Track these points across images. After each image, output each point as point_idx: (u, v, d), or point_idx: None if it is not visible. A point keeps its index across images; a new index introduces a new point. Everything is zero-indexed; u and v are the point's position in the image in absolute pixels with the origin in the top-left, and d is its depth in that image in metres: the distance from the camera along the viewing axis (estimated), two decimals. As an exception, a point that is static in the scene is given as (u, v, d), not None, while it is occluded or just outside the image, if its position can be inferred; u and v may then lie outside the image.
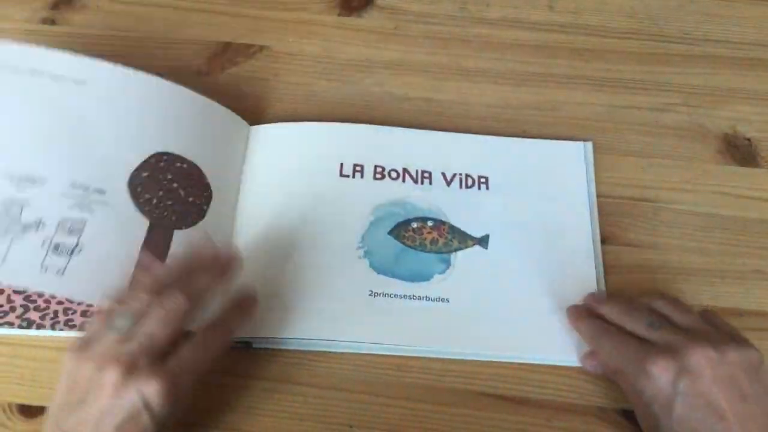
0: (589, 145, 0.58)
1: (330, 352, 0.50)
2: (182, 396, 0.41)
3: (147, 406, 0.39)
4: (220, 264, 0.46)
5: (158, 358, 0.41)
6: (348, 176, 0.56)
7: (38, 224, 0.48)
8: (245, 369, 0.49)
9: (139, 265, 0.49)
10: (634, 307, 0.47)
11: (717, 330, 0.44)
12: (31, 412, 0.47)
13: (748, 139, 0.60)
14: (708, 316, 0.47)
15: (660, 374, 0.42)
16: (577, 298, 0.51)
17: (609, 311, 0.48)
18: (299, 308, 0.51)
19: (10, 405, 0.48)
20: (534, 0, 0.67)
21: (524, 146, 0.58)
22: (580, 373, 0.49)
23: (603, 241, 0.54)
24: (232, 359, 0.49)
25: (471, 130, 0.59)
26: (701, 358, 0.41)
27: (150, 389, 0.39)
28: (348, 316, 0.50)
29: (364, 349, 0.50)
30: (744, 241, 0.55)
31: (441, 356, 0.50)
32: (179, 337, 0.42)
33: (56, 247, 0.48)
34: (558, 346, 0.50)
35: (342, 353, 0.50)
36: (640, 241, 0.55)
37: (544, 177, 0.57)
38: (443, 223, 0.54)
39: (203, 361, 0.43)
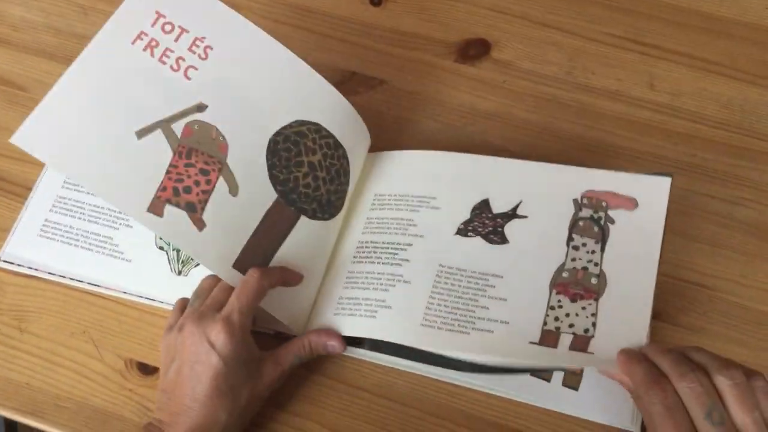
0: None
1: (395, 368, 0.58)
2: (243, 337, 0.51)
3: (212, 345, 0.50)
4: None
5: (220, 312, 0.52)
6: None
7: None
8: (322, 368, 0.58)
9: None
10: (701, 384, 0.45)
11: None
12: (147, 370, 0.58)
13: (813, 247, 0.64)
14: None
15: None
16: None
17: (671, 370, 0.46)
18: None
19: (131, 361, 0.58)
20: (637, 76, 0.72)
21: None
22: (610, 431, 0.56)
23: (653, 317, 0.60)
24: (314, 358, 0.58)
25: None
26: None
27: (212, 331, 0.51)
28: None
29: (423, 372, 0.58)
30: (785, 342, 0.60)
31: (490, 392, 0.57)
32: None
33: None
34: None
35: (405, 371, 0.58)
36: (689, 324, 0.60)
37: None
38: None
39: (247, 302, 0.52)
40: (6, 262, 0.61)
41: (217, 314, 0.52)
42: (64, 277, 0.61)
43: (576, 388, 0.57)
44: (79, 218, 0.62)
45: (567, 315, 0.54)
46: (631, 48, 0.73)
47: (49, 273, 0.61)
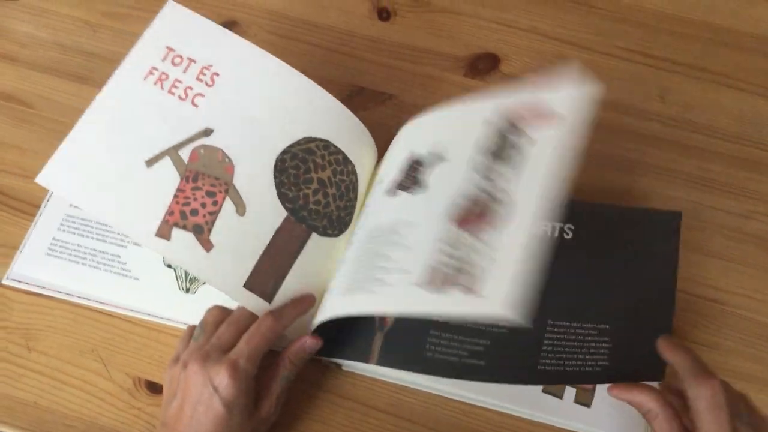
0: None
1: (407, 386, 0.58)
2: (247, 384, 0.50)
3: (216, 389, 0.49)
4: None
5: (226, 352, 0.51)
6: None
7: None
8: (332, 386, 0.58)
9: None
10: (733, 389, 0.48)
11: None
12: (156, 388, 0.57)
13: (826, 260, 0.63)
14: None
15: None
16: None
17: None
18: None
19: (140, 379, 0.58)
20: (648, 89, 0.71)
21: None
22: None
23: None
24: (324, 376, 0.58)
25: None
26: None
27: (216, 375, 0.49)
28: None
29: (436, 390, 0.57)
30: (799, 358, 0.59)
31: (503, 410, 0.56)
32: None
33: None
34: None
35: (418, 390, 0.57)
36: (703, 340, 0.60)
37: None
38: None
39: (257, 348, 0.51)
40: (14, 280, 0.61)
41: (223, 356, 0.50)
42: (71, 295, 0.60)
43: (588, 405, 0.57)
44: (87, 236, 0.62)
45: (460, 249, 0.49)
46: (641, 61, 0.73)
47: (57, 291, 0.61)
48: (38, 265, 0.61)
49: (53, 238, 0.62)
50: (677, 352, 0.51)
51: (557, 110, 0.51)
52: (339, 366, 0.58)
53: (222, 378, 0.49)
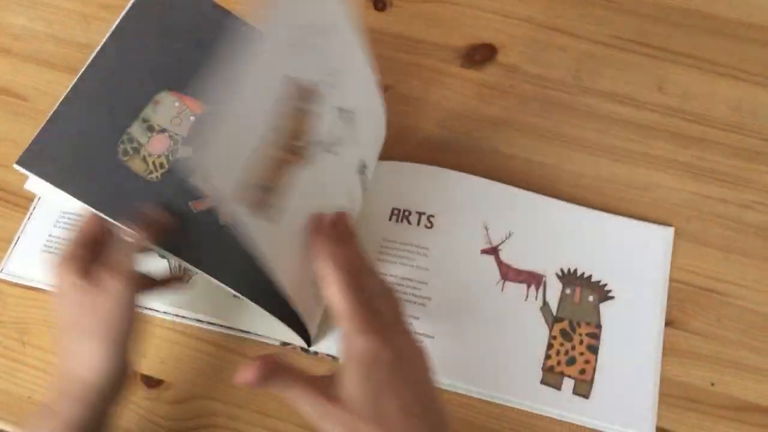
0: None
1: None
2: (67, 265, 0.50)
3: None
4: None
5: None
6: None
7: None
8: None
9: None
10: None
11: None
12: (152, 383, 0.57)
13: (826, 250, 0.63)
14: None
15: None
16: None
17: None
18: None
19: (135, 373, 0.57)
20: (646, 79, 0.71)
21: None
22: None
23: (666, 324, 0.59)
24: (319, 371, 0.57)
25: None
26: None
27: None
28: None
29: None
30: (799, 348, 0.59)
31: (501, 402, 0.56)
32: None
33: None
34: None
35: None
36: (702, 330, 0.59)
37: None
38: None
39: (75, 235, 0.51)
40: (8, 274, 0.61)
41: None
42: (66, 288, 0.60)
43: (587, 396, 0.56)
44: (81, 230, 0.62)
45: None
46: (639, 51, 0.73)
47: (51, 285, 0.60)
48: (33, 261, 0.61)
49: (49, 235, 0.62)
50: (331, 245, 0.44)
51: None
52: (336, 359, 0.58)
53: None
